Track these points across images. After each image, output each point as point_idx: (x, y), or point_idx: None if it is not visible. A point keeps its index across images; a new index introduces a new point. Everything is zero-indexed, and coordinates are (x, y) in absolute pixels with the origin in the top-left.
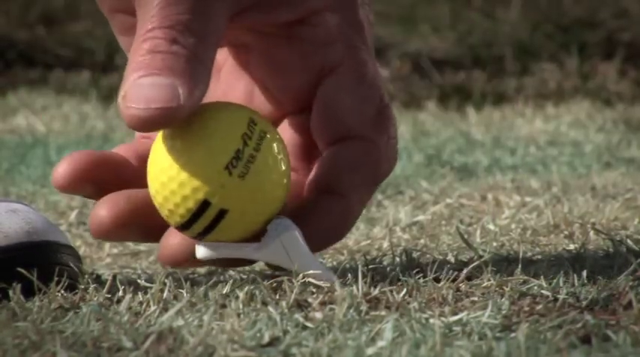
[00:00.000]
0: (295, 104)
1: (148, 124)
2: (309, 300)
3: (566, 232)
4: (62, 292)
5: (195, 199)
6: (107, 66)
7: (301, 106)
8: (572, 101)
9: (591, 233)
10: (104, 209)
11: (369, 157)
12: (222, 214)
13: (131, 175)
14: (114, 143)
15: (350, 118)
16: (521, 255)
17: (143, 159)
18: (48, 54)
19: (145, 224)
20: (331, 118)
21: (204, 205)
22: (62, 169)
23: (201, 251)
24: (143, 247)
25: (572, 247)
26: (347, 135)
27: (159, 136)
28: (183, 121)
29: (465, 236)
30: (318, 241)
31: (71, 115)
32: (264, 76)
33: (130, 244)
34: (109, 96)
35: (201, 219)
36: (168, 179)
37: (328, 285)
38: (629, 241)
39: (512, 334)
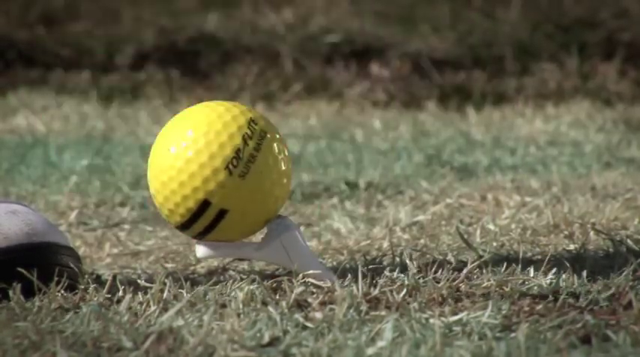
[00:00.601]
0: None
1: None
2: (309, 300)
3: (566, 232)
4: (62, 292)
5: (195, 198)
6: (107, 66)
7: None
8: (572, 101)
9: (591, 233)
10: None
11: None
12: (222, 214)
13: None
14: (114, 143)
15: None
16: (521, 255)
17: None
18: (48, 54)
19: None
20: None
21: (205, 204)
22: None
23: (201, 251)
24: (143, 247)
25: (572, 247)
26: None
27: (159, 136)
28: (184, 121)
29: (465, 236)
30: None
31: (71, 115)
32: None
33: (130, 244)
34: (109, 96)
35: (202, 219)
36: (168, 179)
37: (328, 285)
38: (629, 241)
39: (512, 334)
